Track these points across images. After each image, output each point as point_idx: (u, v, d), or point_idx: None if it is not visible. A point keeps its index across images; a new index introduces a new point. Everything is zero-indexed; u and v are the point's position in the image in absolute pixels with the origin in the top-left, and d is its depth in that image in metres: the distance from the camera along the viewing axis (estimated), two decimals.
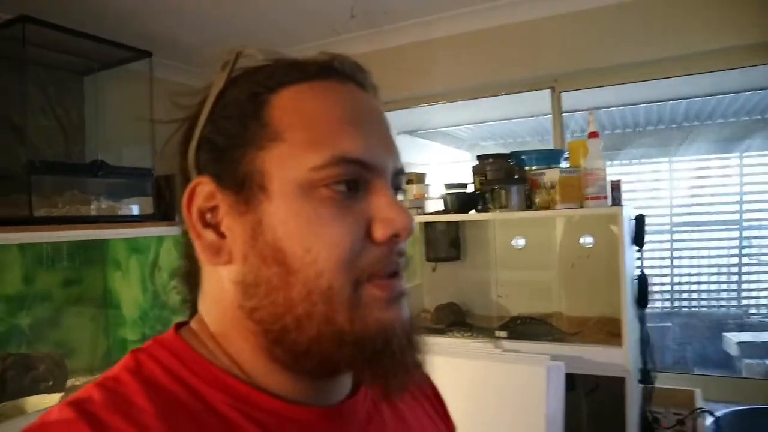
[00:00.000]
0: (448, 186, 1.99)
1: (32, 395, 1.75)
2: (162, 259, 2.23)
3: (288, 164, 0.44)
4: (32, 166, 1.75)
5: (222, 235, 0.46)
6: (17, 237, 1.69)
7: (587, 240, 1.91)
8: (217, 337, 0.48)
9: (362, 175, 0.45)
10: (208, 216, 0.47)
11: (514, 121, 3.20)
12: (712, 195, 3.34)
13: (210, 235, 0.46)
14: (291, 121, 0.45)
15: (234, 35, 2.30)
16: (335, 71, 0.48)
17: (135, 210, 2.08)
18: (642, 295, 1.72)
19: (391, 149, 0.49)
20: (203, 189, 0.46)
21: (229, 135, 0.46)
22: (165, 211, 2.16)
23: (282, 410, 0.46)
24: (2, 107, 1.91)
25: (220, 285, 0.47)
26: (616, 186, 1.67)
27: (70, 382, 1.93)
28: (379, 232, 0.45)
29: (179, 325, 0.51)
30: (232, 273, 0.46)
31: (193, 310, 0.52)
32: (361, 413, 0.52)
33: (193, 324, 0.51)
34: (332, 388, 0.51)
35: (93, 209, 1.97)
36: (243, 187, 0.45)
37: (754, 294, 3.36)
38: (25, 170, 1.73)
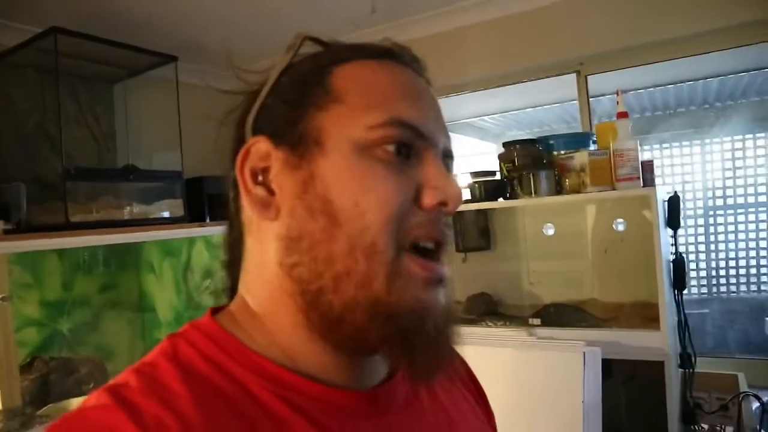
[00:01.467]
0: (475, 174, 1.97)
1: (75, 397, 1.80)
2: (194, 260, 2.26)
3: (346, 123, 0.45)
4: (67, 174, 1.80)
5: (272, 192, 0.47)
6: (55, 243, 1.74)
7: (620, 223, 1.87)
8: (258, 314, 0.48)
9: (414, 141, 0.46)
10: (260, 176, 0.48)
11: (540, 109, 3.16)
12: (749, 176, 3.24)
13: (260, 191, 0.47)
14: (352, 87, 0.47)
15: (256, 37, 2.32)
16: (395, 56, 0.51)
17: (166, 213, 2.11)
18: (679, 278, 1.68)
19: (443, 127, 0.50)
20: (259, 148, 0.47)
21: (290, 99, 0.48)
22: (195, 213, 2.19)
23: (318, 393, 0.46)
24: (38, 118, 1.97)
25: (263, 249, 0.48)
26: (648, 166, 1.63)
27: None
28: (428, 198, 0.46)
29: (215, 311, 0.51)
30: (277, 228, 0.47)
31: (233, 296, 0.53)
32: (399, 397, 0.51)
33: (232, 306, 0.51)
34: (369, 370, 0.51)
35: (126, 213, 2.01)
36: (299, 144, 0.46)
37: None
38: (61, 178, 1.78)
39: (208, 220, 2.22)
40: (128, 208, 2.02)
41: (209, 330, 0.47)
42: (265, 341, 0.47)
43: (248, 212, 0.49)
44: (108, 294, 2.26)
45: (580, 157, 1.66)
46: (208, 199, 2.25)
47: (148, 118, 2.31)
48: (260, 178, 0.48)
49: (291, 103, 0.48)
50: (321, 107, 0.46)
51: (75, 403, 1.77)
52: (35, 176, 1.88)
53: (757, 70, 2.61)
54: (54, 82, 1.84)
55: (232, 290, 0.53)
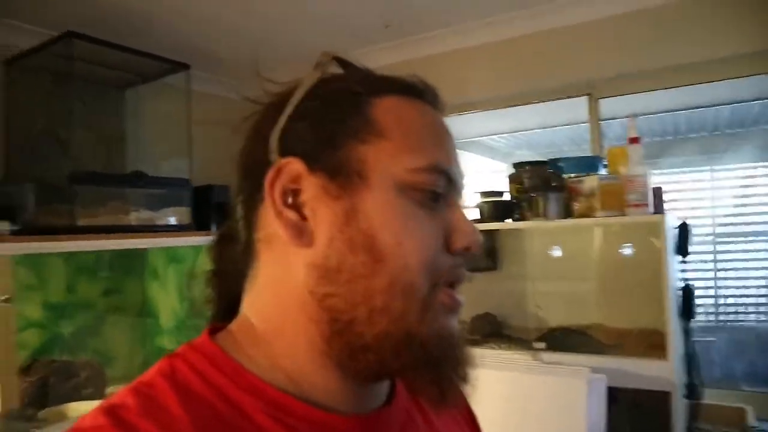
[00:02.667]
0: (484, 194, 1.96)
1: (73, 401, 1.78)
2: (199, 268, 2.25)
3: (389, 161, 0.46)
4: (75, 177, 1.80)
5: (304, 217, 0.46)
6: (60, 246, 1.74)
7: (628, 249, 1.85)
8: (266, 334, 0.47)
9: (446, 187, 0.48)
10: (290, 198, 0.47)
11: (550, 129, 3.15)
12: (759, 204, 3.22)
13: (292, 214, 0.46)
14: (393, 124, 0.47)
15: (268, 48, 2.33)
16: (422, 93, 0.51)
17: (173, 220, 2.11)
18: (687, 307, 1.66)
19: (462, 170, 0.52)
20: (291, 169, 0.46)
21: (327, 124, 0.47)
22: (202, 221, 2.19)
23: (319, 418, 0.45)
24: (48, 121, 1.98)
25: (287, 270, 0.47)
26: (658, 193, 1.62)
27: (108, 390, 1.97)
28: (457, 242, 0.47)
29: (213, 330, 0.50)
30: (310, 256, 0.46)
31: (225, 311, 0.52)
32: (396, 422, 0.51)
33: (234, 326, 0.50)
34: (371, 394, 0.50)
35: (133, 219, 2.01)
36: (339, 173, 0.46)
37: None
38: (69, 181, 1.79)
39: (214, 229, 2.22)
40: (135, 213, 2.02)
41: (207, 351, 0.47)
42: (268, 364, 0.46)
43: (270, 231, 0.47)
44: (111, 298, 2.26)
45: (591, 182, 1.65)
46: (215, 208, 2.25)
47: (158, 124, 2.32)
48: (290, 200, 0.47)
49: (327, 128, 0.47)
50: (363, 139, 0.46)
51: (73, 407, 1.76)
52: (43, 179, 1.89)
53: None
54: (67, 85, 1.85)
55: (223, 301, 0.53)
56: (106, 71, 2.11)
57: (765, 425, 1.69)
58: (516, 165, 1.95)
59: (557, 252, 2.01)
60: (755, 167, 3.21)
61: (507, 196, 1.95)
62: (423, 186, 0.46)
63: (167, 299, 2.29)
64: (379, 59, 2.34)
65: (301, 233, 0.46)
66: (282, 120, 0.48)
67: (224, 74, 2.54)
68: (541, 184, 1.80)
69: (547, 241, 2.03)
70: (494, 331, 2.03)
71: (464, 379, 0.48)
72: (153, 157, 2.25)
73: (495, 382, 1.57)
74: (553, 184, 1.78)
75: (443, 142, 0.49)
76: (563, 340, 1.82)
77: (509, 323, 2.11)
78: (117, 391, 0.44)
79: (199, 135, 2.10)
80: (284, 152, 0.47)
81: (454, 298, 0.47)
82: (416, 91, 0.51)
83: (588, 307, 1.97)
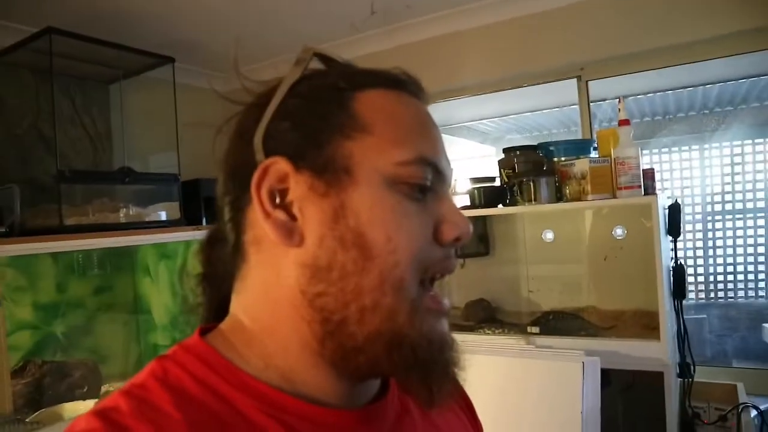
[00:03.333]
0: (475, 180, 1.95)
1: (68, 402, 1.78)
2: (190, 263, 2.24)
3: (375, 156, 0.46)
4: (62, 176, 1.78)
5: (293, 217, 0.46)
6: (49, 246, 1.72)
7: (620, 231, 1.85)
8: (257, 333, 0.47)
9: (434, 179, 0.48)
10: (277, 198, 0.46)
11: (540, 113, 3.14)
12: (749, 182, 3.24)
13: (281, 215, 0.46)
14: (378, 118, 0.47)
15: (254, 39, 2.30)
16: (405, 85, 0.51)
17: (162, 215, 2.10)
18: (679, 287, 1.67)
19: (449, 161, 0.52)
20: (277, 168, 0.46)
21: (311, 121, 0.47)
22: (191, 215, 2.17)
23: (314, 414, 0.45)
24: (32, 118, 1.95)
25: (276, 271, 0.47)
26: (649, 174, 1.62)
27: (104, 389, 1.96)
28: (447, 234, 0.47)
29: (204, 330, 0.50)
30: (300, 256, 0.45)
31: (215, 313, 0.52)
32: (391, 414, 0.51)
33: (224, 325, 0.50)
34: (364, 388, 0.51)
35: (122, 216, 1.99)
36: (326, 171, 0.45)
37: None
38: (55, 180, 1.76)
39: (204, 223, 2.20)
40: (124, 210, 2.00)
41: (199, 351, 0.47)
42: (260, 362, 0.46)
43: (259, 232, 0.47)
44: (103, 297, 2.24)
45: (581, 165, 1.65)
46: (204, 202, 2.23)
47: (144, 119, 2.29)
48: (278, 199, 0.46)
49: (311, 125, 0.47)
50: (348, 135, 0.46)
51: (68, 408, 1.75)
52: (29, 178, 1.87)
53: (757, 76, 2.60)
54: (49, 82, 1.82)
55: (212, 302, 0.53)
56: (89, 67, 2.08)
57: (755, 400, 1.71)
58: (506, 150, 1.94)
59: (549, 236, 2.01)
60: (744, 145, 3.23)
61: (498, 182, 1.94)
62: (410, 179, 0.46)
63: (159, 295, 2.28)
64: (370, 46, 2.33)
65: (291, 233, 0.45)
66: (265, 119, 0.47)
67: (211, 66, 2.50)
68: (531, 169, 1.79)
69: (539, 225, 2.03)
70: (488, 316, 2.04)
71: (454, 381, 0.48)
72: (140, 153, 2.22)
73: (490, 367, 1.58)
74: (544, 168, 1.77)
75: (429, 134, 0.49)
76: (557, 323, 1.83)
77: (503, 308, 2.11)
78: (108, 395, 0.44)
79: (186, 128, 2.08)
80: (269, 152, 0.47)
81: (439, 303, 0.47)
82: (399, 83, 0.50)
83: (581, 290, 1.98)
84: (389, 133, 0.46)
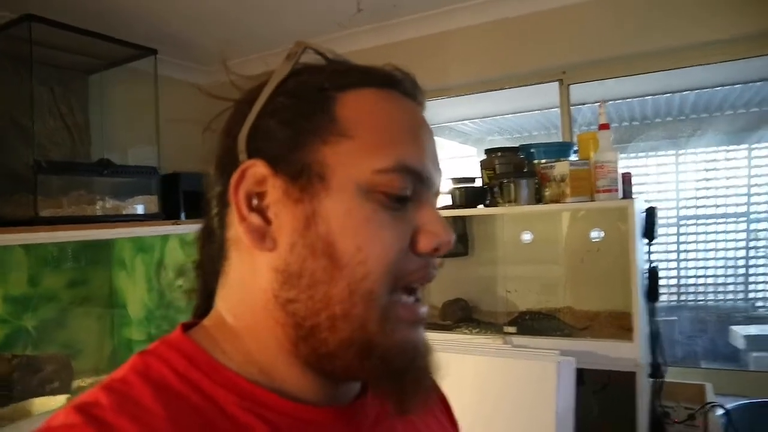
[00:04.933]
0: (456, 180, 1.97)
1: (39, 397, 1.74)
2: (167, 258, 2.22)
3: (352, 162, 0.45)
4: (38, 167, 1.74)
5: (268, 221, 0.45)
6: (22, 237, 1.68)
7: (597, 234, 1.89)
8: (239, 331, 0.47)
9: (415, 187, 0.46)
10: (255, 201, 0.46)
11: (521, 115, 3.17)
12: (720, 187, 3.32)
13: (256, 219, 0.45)
14: (359, 122, 0.46)
15: (239, 33, 2.28)
16: (398, 84, 0.49)
17: (140, 209, 2.07)
18: (652, 289, 1.71)
19: (439, 168, 0.50)
20: (255, 171, 0.45)
21: (292, 123, 0.46)
22: (170, 210, 2.15)
23: (295, 411, 0.45)
24: (8, 107, 1.90)
25: (253, 273, 0.47)
26: (626, 178, 1.65)
27: (76, 383, 1.93)
28: (424, 244, 0.46)
29: (186, 326, 0.50)
30: (273, 260, 0.45)
31: (205, 306, 0.51)
32: (372, 413, 0.51)
33: (207, 321, 0.50)
34: (345, 387, 0.51)
35: (98, 209, 1.96)
36: (301, 176, 0.45)
37: (761, 287, 3.34)
38: (32, 170, 1.73)
39: (183, 218, 2.18)
40: (101, 203, 1.97)
41: (182, 346, 0.46)
42: (243, 359, 0.46)
43: (238, 233, 0.47)
44: (77, 290, 2.20)
45: (561, 167, 1.67)
46: (183, 196, 2.21)
47: (124, 111, 2.25)
48: (255, 202, 0.46)
49: (291, 127, 0.46)
50: (326, 140, 0.45)
51: (39, 403, 1.71)
52: (4, 168, 1.82)
53: (731, 85, 2.66)
54: (27, 71, 1.78)
55: (202, 294, 0.52)
56: (69, 56, 2.04)
57: (722, 400, 1.75)
58: (488, 151, 1.96)
59: (528, 237, 2.03)
60: (717, 152, 3.31)
61: (479, 182, 1.96)
62: (387, 189, 0.44)
63: (135, 290, 2.25)
64: (355, 44, 2.32)
65: (263, 238, 0.45)
66: (250, 118, 0.47)
67: (195, 59, 2.48)
68: (512, 170, 1.81)
69: (518, 226, 2.05)
70: (465, 316, 2.06)
71: (427, 388, 0.48)
72: (119, 145, 2.19)
73: (466, 366, 1.59)
74: (525, 170, 1.80)
75: (416, 138, 0.48)
76: (533, 323, 1.86)
77: (480, 308, 2.13)
78: (88, 390, 0.43)
79: (167, 121, 2.06)
80: (252, 152, 0.46)
81: (413, 312, 0.47)
82: (392, 82, 0.49)
83: (557, 291, 2.00)
84: (370, 139, 0.45)
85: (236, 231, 0.47)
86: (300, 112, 0.46)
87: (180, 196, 2.22)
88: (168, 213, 2.13)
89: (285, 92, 0.47)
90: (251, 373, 0.46)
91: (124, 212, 2.02)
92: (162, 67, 2.12)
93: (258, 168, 0.45)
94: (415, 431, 0.56)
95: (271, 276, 0.45)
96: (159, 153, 2.08)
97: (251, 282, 0.47)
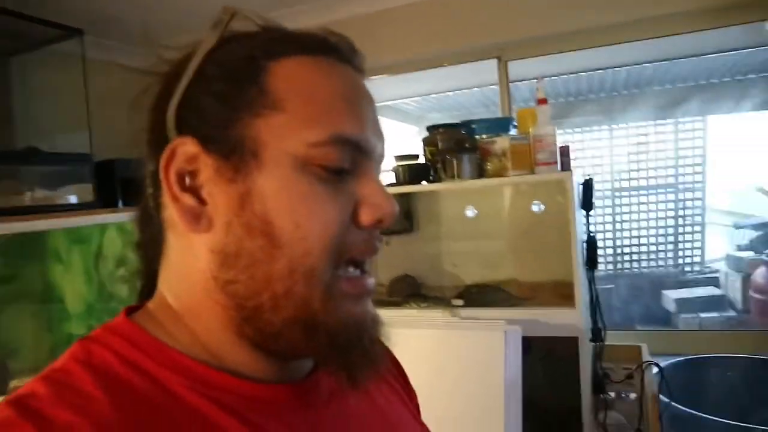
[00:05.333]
0: (399, 158, 1.98)
1: None
2: (106, 248, 2.14)
3: (286, 136, 0.43)
4: None
5: (202, 201, 0.44)
6: None
7: (537, 206, 1.94)
8: (182, 313, 0.46)
9: (355, 158, 0.45)
10: (187, 180, 0.44)
11: (461, 93, 3.21)
12: (651, 160, 3.48)
13: (189, 199, 0.43)
14: (292, 93, 0.43)
15: (171, 11, 2.19)
16: (335, 50, 0.47)
17: (73, 198, 1.98)
18: (591, 258, 1.77)
19: (381, 135, 0.49)
20: (185, 150, 0.43)
21: (221, 96, 0.43)
22: (106, 198, 2.06)
23: (244, 390, 0.44)
24: None
25: (191, 254, 0.45)
26: (564, 151, 1.70)
27: (12, 384, 1.85)
28: (366, 217, 0.45)
29: (130, 310, 0.48)
30: (210, 242, 0.44)
31: (149, 288, 0.50)
32: (325, 388, 0.51)
33: (151, 304, 0.48)
34: (297, 364, 0.50)
35: (27, 199, 1.86)
36: (233, 153, 0.43)
37: (688, 253, 3.54)
38: None
39: (120, 205, 2.10)
40: (30, 193, 1.87)
41: (125, 330, 0.45)
42: (189, 340, 0.45)
43: (172, 214, 0.45)
44: (9, 286, 2.09)
45: (502, 142, 1.70)
46: (120, 183, 2.12)
47: (52, 95, 2.13)
48: (188, 181, 0.44)
49: (221, 101, 0.44)
50: (257, 113, 0.43)
51: None
52: None
53: (660, 61, 2.78)
54: None
55: (145, 276, 0.51)
56: None
57: (657, 359, 1.86)
58: (429, 128, 1.98)
59: (471, 212, 2.07)
60: (647, 126, 3.46)
61: (421, 159, 1.97)
62: (324, 161, 0.43)
63: (73, 283, 2.16)
64: (292, 23, 2.26)
65: (198, 219, 0.43)
66: (177, 92, 0.44)
67: (125, 41, 2.36)
68: (454, 146, 1.84)
69: (462, 201, 2.08)
70: (413, 291, 2.08)
71: (376, 361, 0.47)
72: (48, 132, 2.08)
73: (416, 341, 1.62)
74: (466, 146, 1.82)
75: (354, 106, 0.46)
76: (480, 296, 1.90)
77: (427, 283, 2.17)
78: (25, 382, 0.41)
79: (99, 106, 1.96)
80: (182, 128, 0.44)
81: (358, 285, 0.46)
82: (327, 48, 0.47)
83: (502, 264, 2.06)
84: (303, 110, 0.43)
85: (171, 212, 0.45)
86: (229, 84, 0.44)
87: (116, 184, 2.13)
88: (104, 201, 2.05)
89: (213, 63, 0.44)
90: (198, 353, 0.44)
91: (56, 202, 1.93)
92: (93, 49, 2.02)
93: (188, 146, 0.43)
94: (370, 402, 0.56)
95: (209, 257, 0.44)
96: (92, 139, 1.98)
97: (190, 264, 0.45)
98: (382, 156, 0.49)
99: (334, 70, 0.46)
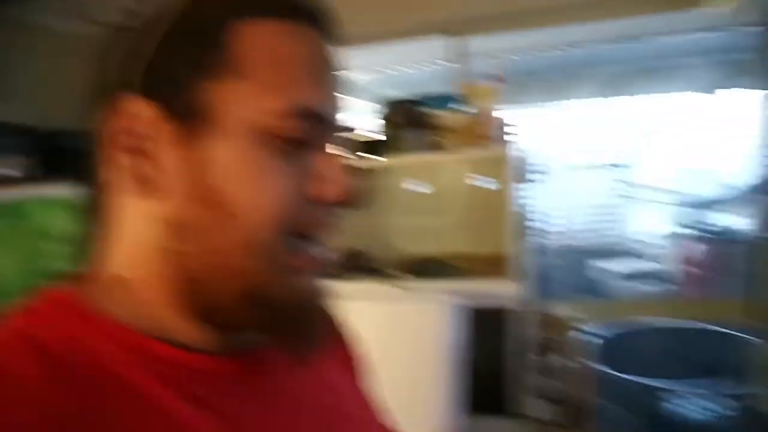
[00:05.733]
0: (351, 132, 1.99)
1: None
2: (50, 224, 2.05)
3: (245, 103, 0.41)
4: None
5: (152, 167, 0.42)
6: None
7: (481, 181, 2.00)
8: (128, 281, 0.44)
9: (315, 130, 0.43)
10: (140, 143, 0.42)
11: (413, 68, 3.22)
12: (591, 137, 3.61)
13: (140, 163, 0.42)
14: (255, 58, 0.42)
15: None
16: (305, 13, 0.45)
17: (13, 171, 1.89)
18: (526, 230, 1.86)
19: (340, 106, 0.47)
20: (140, 112, 0.41)
21: (181, 58, 0.41)
22: (52, 171, 1.98)
23: (189, 361, 0.43)
24: None
25: (139, 222, 0.44)
26: (506, 127, 1.76)
27: None
28: (324, 191, 0.44)
29: (70, 280, 0.46)
30: (159, 211, 0.42)
31: (95, 255, 0.47)
32: (272, 360, 0.50)
33: (94, 272, 0.46)
34: (243, 338, 0.48)
35: None
36: (188, 118, 0.41)
37: (627, 228, 3.72)
38: None
39: (67, 180, 2.02)
40: None
41: (57, 298, 0.43)
42: (131, 310, 0.43)
43: (120, 180, 0.43)
44: None
45: (450, 118, 1.75)
46: (67, 156, 2.04)
47: None
48: (140, 145, 0.42)
49: (179, 63, 0.41)
50: (218, 77, 0.41)
51: None
52: None
53: (607, 41, 2.86)
54: None
55: (91, 243, 0.48)
56: None
57: (588, 326, 1.98)
58: (381, 102, 2.00)
59: (418, 187, 2.11)
60: (593, 104, 3.58)
61: (373, 134, 2.00)
62: (283, 132, 0.41)
63: (9, 262, 2.06)
64: None
65: (148, 184, 0.42)
66: (133, 51, 0.42)
67: (76, 6, 2.24)
68: (405, 121, 1.87)
69: (408, 176, 2.12)
70: (359, 265, 2.11)
71: (321, 334, 0.48)
72: None
73: (362, 313, 1.64)
74: (417, 121, 1.86)
75: (318, 76, 0.44)
76: (425, 269, 1.95)
77: (373, 257, 2.20)
78: None
79: (45, 75, 1.87)
80: (137, 90, 0.42)
81: (308, 260, 0.45)
82: (296, 12, 0.44)
83: (447, 237, 2.11)
84: (265, 77, 0.41)
85: (120, 177, 0.43)
86: (188, 45, 0.41)
87: (62, 155, 2.04)
88: (50, 175, 1.96)
89: (172, 22, 0.42)
90: (143, 324, 0.43)
91: None
92: (36, 14, 1.91)
93: (140, 108, 0.41)
94: (317, 376, 0.55)
95: (157, 227, 0.42)
96: (34, 109, 1.89)
97: (137, 232, 0.44)
98: (341, 129, 0.48)
99: (301, 36, 0.44)
